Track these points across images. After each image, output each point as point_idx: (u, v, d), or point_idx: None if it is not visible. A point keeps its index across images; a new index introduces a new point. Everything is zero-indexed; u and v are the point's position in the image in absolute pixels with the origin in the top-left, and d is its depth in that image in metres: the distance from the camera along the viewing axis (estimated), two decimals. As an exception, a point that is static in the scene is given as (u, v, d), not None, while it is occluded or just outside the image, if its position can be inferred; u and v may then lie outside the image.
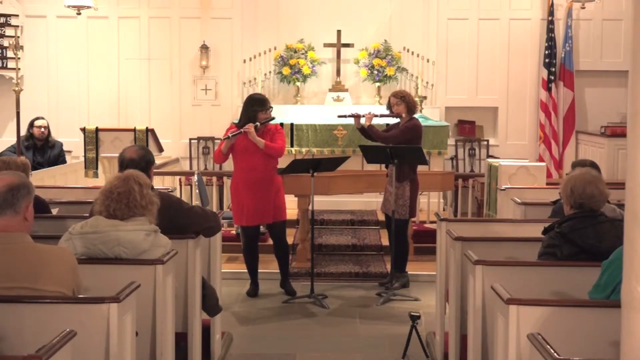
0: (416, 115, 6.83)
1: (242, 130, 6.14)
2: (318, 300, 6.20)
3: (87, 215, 4.04)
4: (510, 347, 3.00)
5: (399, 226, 6.55)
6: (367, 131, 6.72)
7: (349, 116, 6.91)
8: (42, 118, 8.97)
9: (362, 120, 6.79)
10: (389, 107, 6.79)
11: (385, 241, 7.42)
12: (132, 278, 3.23)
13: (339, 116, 7.26)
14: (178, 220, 4.18)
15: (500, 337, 3.15)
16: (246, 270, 6.61)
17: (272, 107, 6.35)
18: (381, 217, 7.67)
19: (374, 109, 7.71)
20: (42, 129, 8.82)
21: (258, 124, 6.15)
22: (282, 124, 7.89)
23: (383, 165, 7.63)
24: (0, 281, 2.85)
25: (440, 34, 10.58)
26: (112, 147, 8.01)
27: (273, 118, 6.32)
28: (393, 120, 6.96)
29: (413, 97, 6.90)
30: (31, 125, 8.83)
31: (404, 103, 6.66)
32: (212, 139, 10.54)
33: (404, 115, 6.68)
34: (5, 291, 2.84)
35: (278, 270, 6.62)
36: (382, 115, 6.94)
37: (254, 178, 6.20)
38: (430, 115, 9.86)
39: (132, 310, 3.13)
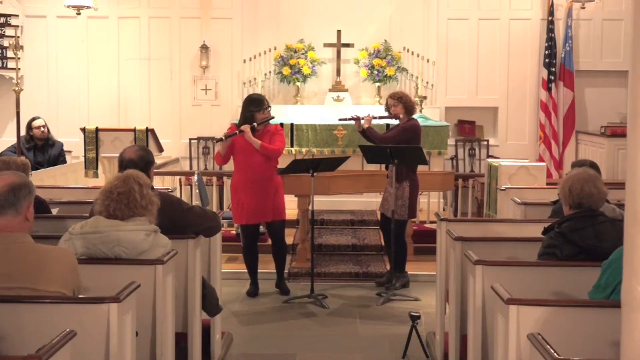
0: (416, 116, 6.84)
1: (237, 131, 6.18)
2: (318, 300, 6.20)
3: (87, 215, 4.03)
4: (510, 347, 3.00)
5: (398, 226, 6.55)
6: (367, 134, 6.74)
7: (349, 119, 6.97)
8: (39, 117, 8.95)
9: (363, 123, 6.81)
10: (387, 108, 6.81)
11: (385, 241, 7.42)
12: (132, 278, 3.23)
13: (340, 119, 7.35)
14: (178, 220, 4.18)
15: (500, 337, 3.15)
16: (246, 270, 6.61)
17: (270, 107, 6.38)
18: (381, 217, 7.68)
19: (373, 110, 7.72)
20: (42, 129, 8.81)
21: (255, 124, 6.17)
22: (282, 124, 7.89)
23: (383, 166, 7.63)
24: (0, 281, 2.86)
25: (440, 34, 10.58)
26: (112, 147, 8.01)
27: (272, 117, 6.35)
28: (394, 122, 6.97)
29: (410, 98, 6.92)
30: (29, 127, 8.80)
31: (401, 104, 6.68)
32: (212, 139, 10.53)
33: (401, 115, 6.70)
34: (6, 291, 2.84)
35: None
36: (380, 117, 6.96)
37: (253, 177, 6.21)
38: (430, 115, 9.86)
39: (132, 310, 3.13)
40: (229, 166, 6.90)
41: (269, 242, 6.76)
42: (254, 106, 6.27)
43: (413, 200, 6.65)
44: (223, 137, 6.25)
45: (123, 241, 3.52)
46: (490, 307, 3.54)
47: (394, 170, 6.42)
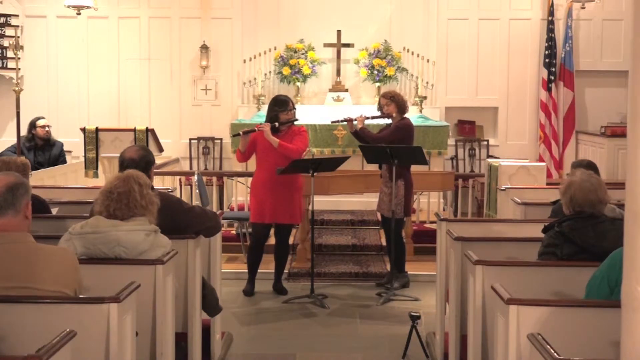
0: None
1: (256, 128, 6.24)
2: (318, 300, 6.20)
3: (87, 215, 4.03)
4: (510, 347, 3.00)
5: (395, 225, 6.55)
6: (360, 135, 6.74)
7: (342, 121, 6.97)
8: (43, 117, 8.97)
9: (355, 124, 6.81)
10: (380, 108, 6.83)
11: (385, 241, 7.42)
12: (132, 278, 3.23)
13: (332, 122, 7.35)
14: (178, 220, 4.17)
15: (500, 337, 3.15)
16: (246, 270, 6.60)
17: (295, 109, 6.45)
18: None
19: (365, 111, 7.72)
20: (46, 128, 8.83)
21: (277, 124, 6.23)
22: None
23: (377, 165, 7.63)
24: (2, 281, 2.86)
25: (440, 34, 10.58)
26: (112, 147, 8.00)
27: (296, 119, 6.42)
28: (387, 121, 6.98)
29: (403, 97, 6.93)
30: (33, 125, 8.81)
31: (394, 103, 6.70)
32: (212, 139, 10.54)
33: (394, 115, 6.72)
34: (7, 291, 2.84)
35: (279, 271, 6.63)
36: (373, 117, 6.97)
37: (272, 177, 6.23)
38: (430, 115, 9.85)
39: (132, 310, 3.12)
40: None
41: (269, 242, 6.76)
42: (279, 107, 6.35)
43: (408, 199, 6.66)
44: (240, 133, 6.30)
45: (123, 241, 3.52)
46: (490, 307, 3.54)
47: (392, 169, 6.42)
